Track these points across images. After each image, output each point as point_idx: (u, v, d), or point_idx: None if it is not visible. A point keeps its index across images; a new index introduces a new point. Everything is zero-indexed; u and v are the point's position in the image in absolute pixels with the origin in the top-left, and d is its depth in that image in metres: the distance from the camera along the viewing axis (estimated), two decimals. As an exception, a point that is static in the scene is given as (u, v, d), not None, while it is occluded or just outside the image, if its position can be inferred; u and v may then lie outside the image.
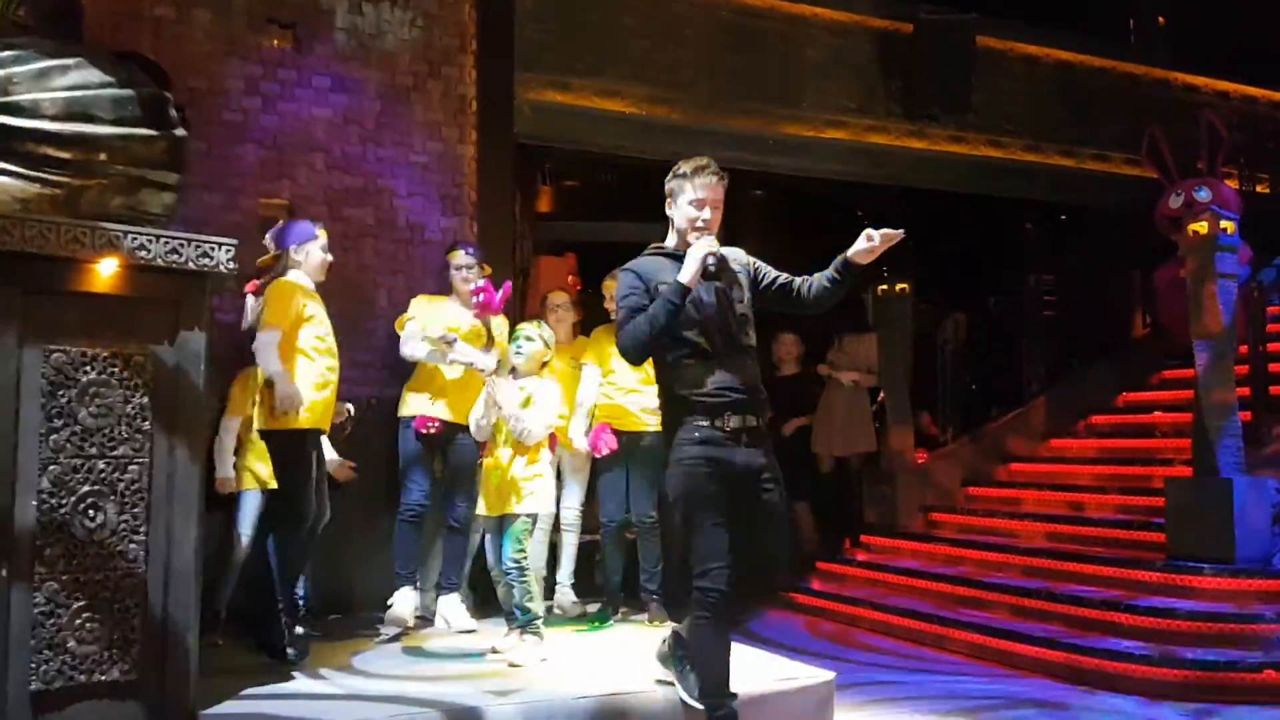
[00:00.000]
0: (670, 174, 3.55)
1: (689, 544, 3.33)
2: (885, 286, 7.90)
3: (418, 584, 5.13)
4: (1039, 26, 8.95)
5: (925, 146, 8.58)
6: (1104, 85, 9.05)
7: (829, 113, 8.31)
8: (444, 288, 5.57)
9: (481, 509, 4.51)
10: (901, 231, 3.38)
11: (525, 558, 4.34)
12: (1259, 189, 9.74)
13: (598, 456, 5.37)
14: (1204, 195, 7.50)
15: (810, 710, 3.83)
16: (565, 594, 5.59)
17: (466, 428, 4.72)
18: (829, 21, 8.29)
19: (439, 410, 5.06)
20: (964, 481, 7.55)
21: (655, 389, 5.19)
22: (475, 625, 4.94)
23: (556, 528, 5.51)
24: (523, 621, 4.29)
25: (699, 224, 3.46)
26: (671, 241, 3.57)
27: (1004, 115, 8.70)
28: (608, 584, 5.47)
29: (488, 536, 4.70)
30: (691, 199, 3.47)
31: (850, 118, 8.40)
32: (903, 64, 8.29)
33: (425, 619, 5.08)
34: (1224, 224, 5.78)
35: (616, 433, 5.30)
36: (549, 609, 5.24)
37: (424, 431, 5.03)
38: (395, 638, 4.77)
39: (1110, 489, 6.69)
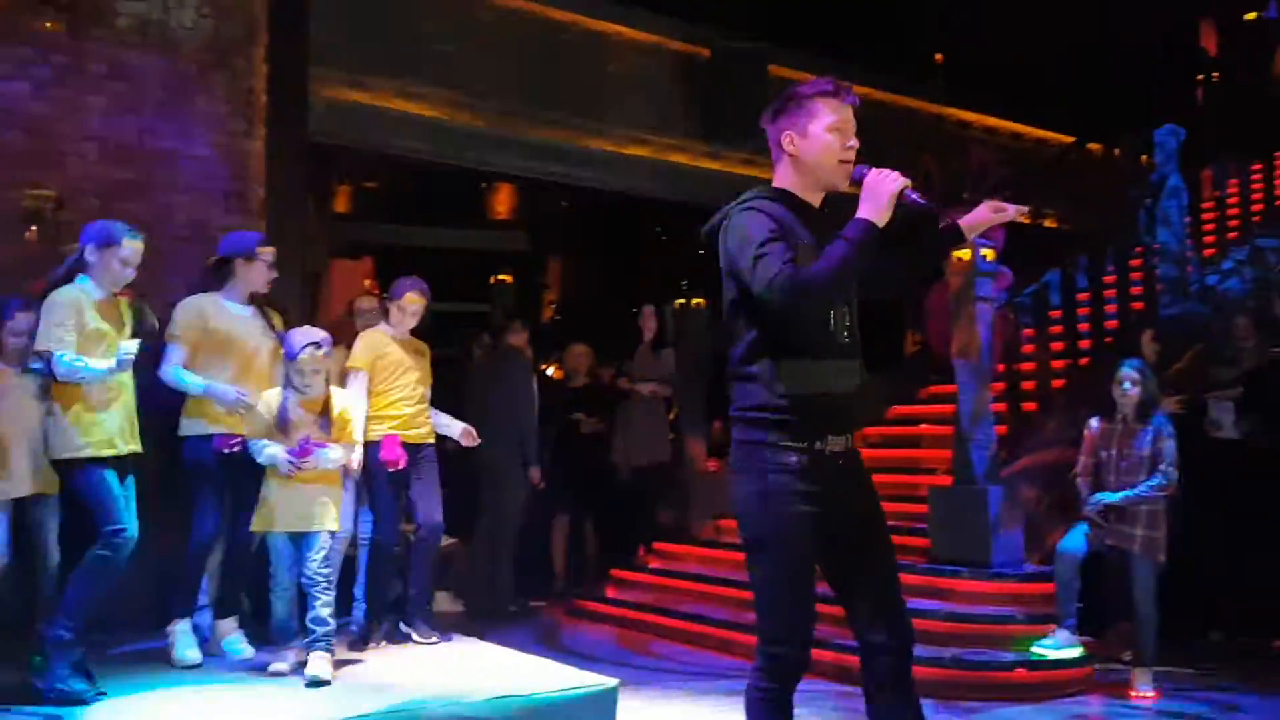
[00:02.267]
0: (785, 98, 2.63)
1: (775, 601, 2.52)
2: (683, 300, 8.13)
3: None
4: (827, 59, 9.43)
5: (721, 168, 8.90)
6: (885, 117, 9.63)
7: (632, 129, 8.50)
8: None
9: (277, 523, 4.31)
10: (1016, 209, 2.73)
11: (330, 571, 4.24)
12: (1023, 219, 10.60)
13: (390, 470, 5.23)
14: None
15: (592, 718, 3.88)
16: (359, 611, 5.44)
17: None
18: (632, 40, 8.48)
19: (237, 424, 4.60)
20: (752, 490, 7.82)
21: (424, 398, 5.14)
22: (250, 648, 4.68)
23: (352, 543, 5.35)
24: (320, 635, 4.15)
25: (843, 158, 2.55)
26: (796, 185, 2.60)
27: (794, 141, 9.12)
28: (375, 603, 5.29)
29: (277, 552, 4.45)
30: (828, 123, 2.55)
31: (652, 135, 8.62)
32: (702, 87, 8.58)
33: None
34: (984, 251, 6.24)
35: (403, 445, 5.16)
36: (345, 626, 5.07)
37: (226, 451, 4.60)
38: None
39: (880, 496, 7.07)
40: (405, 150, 7.70)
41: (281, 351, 4.47)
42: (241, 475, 4.50)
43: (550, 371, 9.11)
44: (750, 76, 8.51)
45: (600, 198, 9.15)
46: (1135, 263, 7.55)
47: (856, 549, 2.61)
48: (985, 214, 2.73)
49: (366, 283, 8.16)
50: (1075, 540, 5.10)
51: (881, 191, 2.45)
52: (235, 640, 4.64)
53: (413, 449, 5.15)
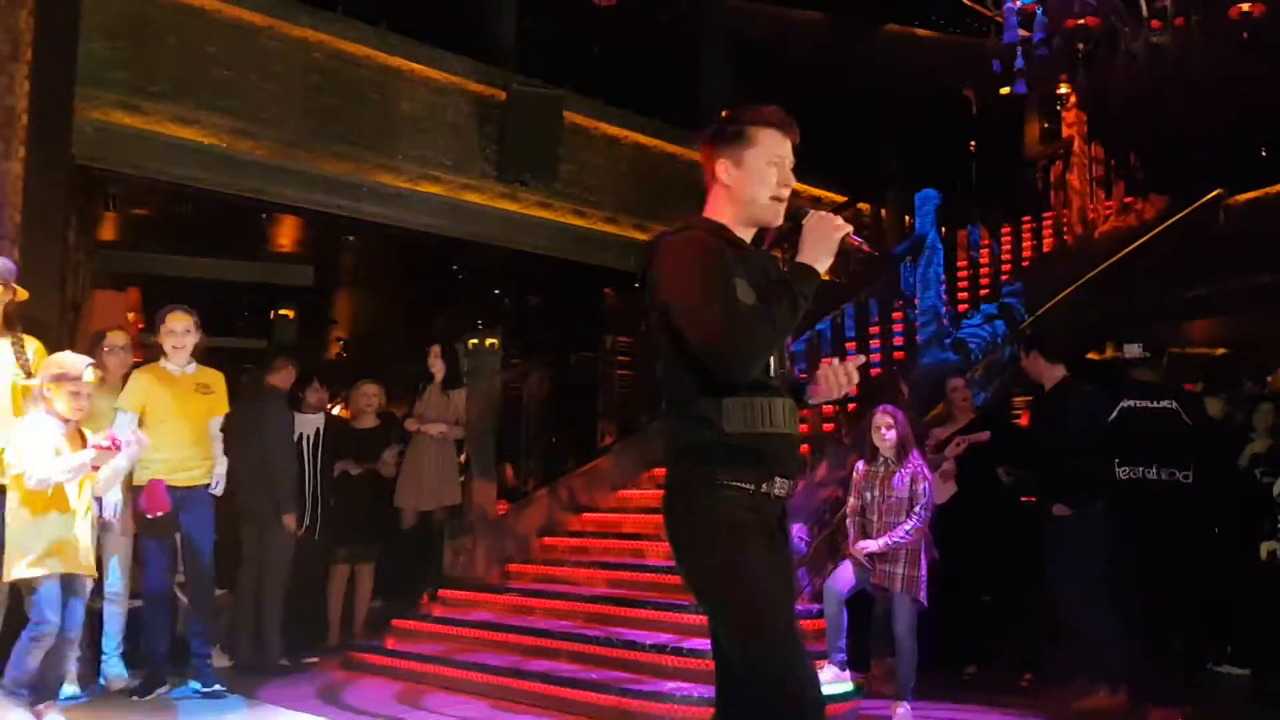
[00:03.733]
0: (730, 121, 2.48)
1: (773, 654, 2.26)
2: (476, 340, 8.06)
3: None
4: (621, 109, 9.68)
5: (517, 209, 8.94)
6: (675, 168, 9.94)
7: (424, 167, 8.41)
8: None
9: (42, 569, 3.97)
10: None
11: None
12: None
13: (150, 517, 4.93)
14: None
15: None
16: (113, 665, 5.07)
17: None
18: (426, 78, 8.42)
19: None
20: (540, 532, 7.82)
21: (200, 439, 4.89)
22: None
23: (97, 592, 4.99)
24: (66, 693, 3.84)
25: (776, 195, 2.44)
26: (727, 217, 2.45)
27: (588, 187, 9.29)
28: (152, 653, 4.99)
29: (49, 599, 4.09)
30: (772, 157, 2.44)
31: (446, 174, 8.56)
32: (497, 128, 8.60)
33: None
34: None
35: (170, 489, 4.89)
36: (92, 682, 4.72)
37: None
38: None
39: (666, 536, 7.22)
40: (182, 178, 7.33)
41: (29, 384, 4.20)
42: None
43: (337, 411, 8.82)
44: (546, 120, 8.61)
45: (392, 234, 8.99)
46: (897, 315, 8.07)
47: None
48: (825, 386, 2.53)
49: (130, 315, 7.66)
50: (842, 578, 5.36)
51: (826, 236, 2.35)
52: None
53: (182, 492, 4.90)
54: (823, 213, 2.40)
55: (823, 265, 2.35)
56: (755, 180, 2.43)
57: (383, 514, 7.36)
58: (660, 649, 5.57)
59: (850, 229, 2.39)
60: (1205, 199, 10.02)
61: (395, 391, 8.34)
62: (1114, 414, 5.26)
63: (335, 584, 7.24)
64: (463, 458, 7.89)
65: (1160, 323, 10.66)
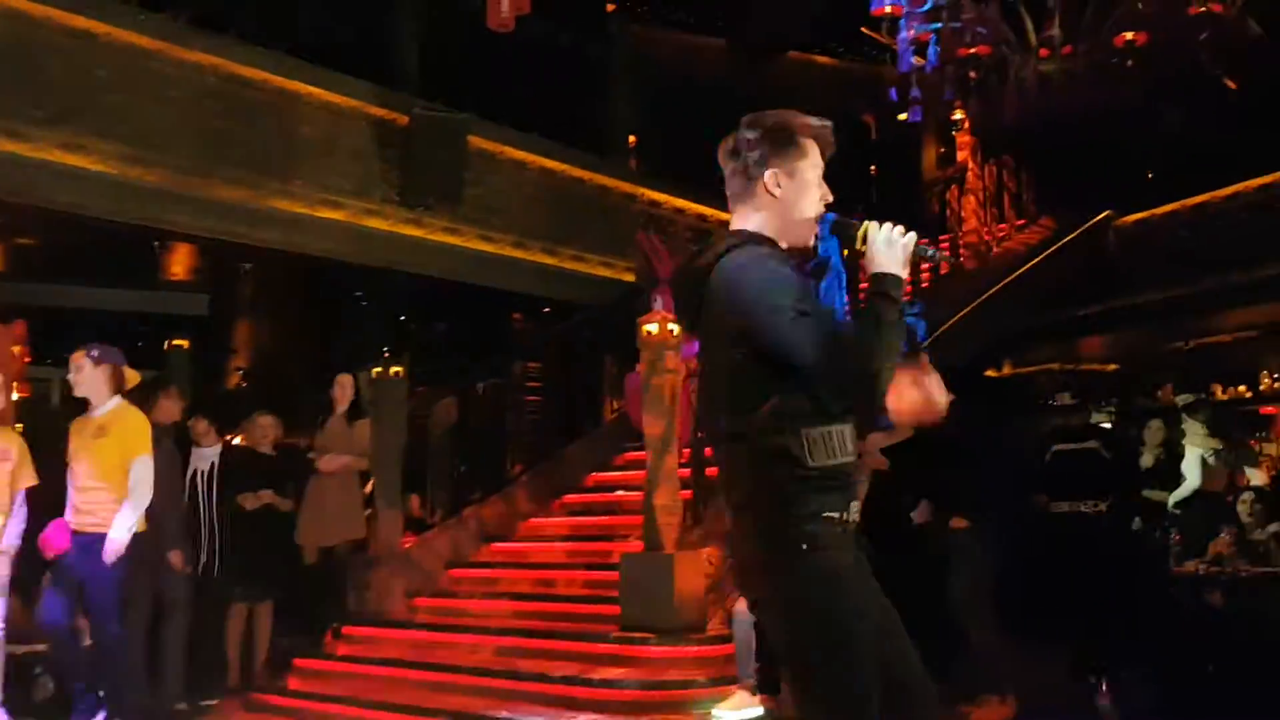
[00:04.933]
0: (771, 128, 2.29)
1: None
2: (381, 369, 7.89)
3: None
4: (528, 134, 9.65)
5: (421, 234, 8.82)
6: (582, 193, 9.95)
7: (325, 192, 8.26)
8: None
9: None
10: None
11: None
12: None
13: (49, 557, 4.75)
14: (658, 304, 8.27)
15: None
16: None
17: None
18: (325, 102, 8.28)
19: None
20: (447, 564, 7.67)
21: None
22: None
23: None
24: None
25: (820, 213, 2.31)
26: (772, 232, 2.28)
27: (495, 211, 9.23)
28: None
29: None
30: (819, 170, 2.31)
31: (347, 199, 8.41)
32: (400, 153, 8.50)
33: None
34: (671, 326, 6.54)
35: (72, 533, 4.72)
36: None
37: None
38: None
39: (578, 565, 7.17)
40: (69, 206, 7.08)
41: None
42: None
43: (236, 442, 8.55)
44: (450, 145, 8.53)
45: (292, 261, 8.79)
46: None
47: (885, 633, 2.24)
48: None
49: (16, 349, 7.33)
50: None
51: (899, 245, 2.19)
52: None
53: (82, 538, 4.73)
54: (874, 223, 2.25)
55: (904, 273, 2.20)
56: (808, 194, 2.28)
57: (282, 550, 7.13)
58: (570, 680, 5.49)
59: (915, 236, 2.24)
60: (1095, 220, 10.38)
61: (299, 422, 8.12)
62: (1048, 457, 6.14)
63: (233, 623, 6.97)
64: (368, 489, 7.71)
65: (1054, 341, 11.01)
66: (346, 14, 9.22)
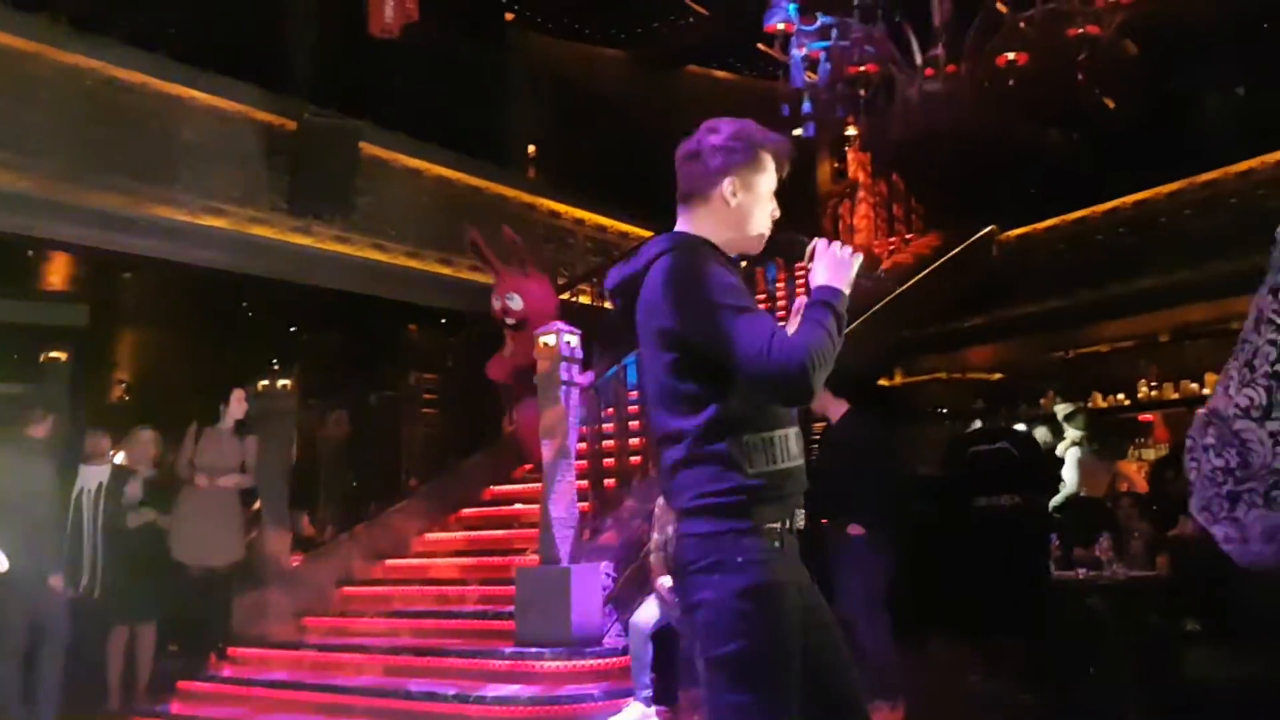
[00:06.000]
0: (732, 138, 2.30)
1: None
2: (267, 382, 7.69)
3: None
4: (424, 142, 9.52)
5: (311, 244, 8.61)
6: (480, 203, 9.85)
7: (209, 199, 8.01)
8: None
9: None
10: None
11: None
12: (606, 305, 11.22)
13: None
14: (516, 303, 7.87)
15: None
16: None
17: None
18: (210, 107, 8.04)
19: None
20: (339, 582, 7.49)
21: None
22: None
23: None
24: None
25: (768, 229, 2.36)
26: (718, 238, 2.29)
27: (388, 221, 9.06)
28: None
29: None
30: (774, 186, 2.34)
31: (232, 206, 8.17)
32: (289, 160, 8.29)
33: None
34: (568, 337, 6.51)
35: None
36: None
37: None
38: None
39: (474, 580, 7.06)
40: (-68, 212, 6.72)
41: None
42: None
43: (118, 459, 8.20)
44: (341, 152, 8.35)
45: (177, 270, 8.50)
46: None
47: (821, 646, 2.21)
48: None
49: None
50: (646, 613, 5.35)
51: (845, 264, 2.23)
52: None
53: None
54: (822, 240, 2.31)
55: (847, 289, 2.22)
56: (761, 206, 2.31)
57: (164, 568, 6.88)
58: (463, 698, 5.40)
59: (860, 256, 2.30)
60: (980, 235, 10.70)
61: (183, 437, 7.83)
62: (969, 457, 6.74)
63: (114, 645, 6.71)
64: (256, 506, 7.48)
65: (943, 350, 11.31)
66: (235, 17, 8.97)
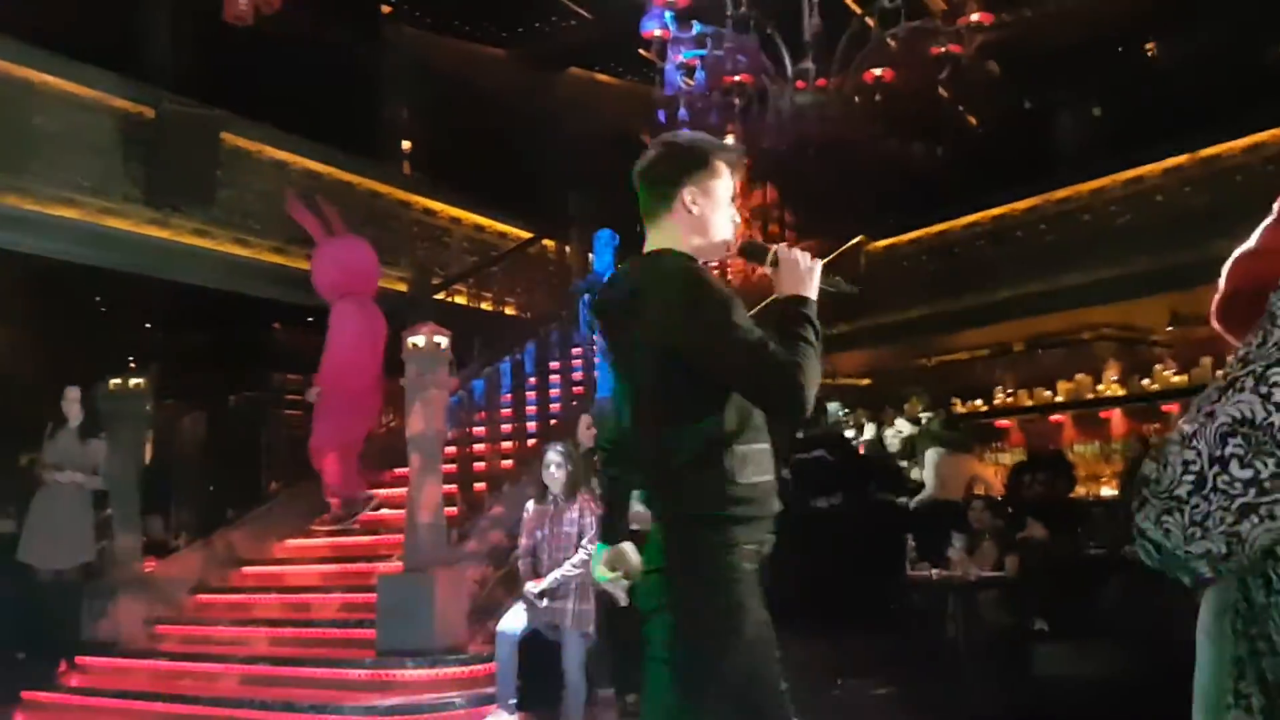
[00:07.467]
0: (684, 149, 2.35)
1: None
2: (119, 381, 7.35)
3: None
4: (290, 134, 9.22)
5: (169, 236, 8.27)
6: (351, 198, 9.59)
7: (59, 188, 7.61)
8: None
9: None
10: None
11: None
12: (483, 305, 11.07)
13: None
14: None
15: None
16: None
17: None
18: (62, 92, 7.64)
19: None
20: (193, 589, 7.22)
21: None
22: None
23: None
24: None
25: (732, 233, 2.38)
26: (690, 250, 2.31)
27: (252, 214, 8.76)
28: None
29: None
30: (731, 190, 2.36)
31: (85, 197, 7.79)
32: (145, 149, 7.94)
33: None
34: (438, 339, 6.41)
35: None
36: None
37: None
38: None
39: (336, 588, 6.89)
40: None
41: None
42: None
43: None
44: (201, 143, 8.03)
45: (25, 262, 8.05)
46: (577, 350, 8.20)
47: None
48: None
49: None
50: (515, 619, 5.30)
51: (806, 269, 2.25)
52: None
53: None
54: (784, 246, 2.34)
55: (814, 296, 2.25)
56: (722, 212, 2.34)
57: (7, 573, 6.54)
58: (319, 709, 5.27)
59: (821, 263, 2.32)
60: (849, 245, 10.99)
61: (30, 438, 7.45)
62: (792, 465, 6.88)
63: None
64: (107, 511, 7.16)
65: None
66: (92, 1, 8.56)
